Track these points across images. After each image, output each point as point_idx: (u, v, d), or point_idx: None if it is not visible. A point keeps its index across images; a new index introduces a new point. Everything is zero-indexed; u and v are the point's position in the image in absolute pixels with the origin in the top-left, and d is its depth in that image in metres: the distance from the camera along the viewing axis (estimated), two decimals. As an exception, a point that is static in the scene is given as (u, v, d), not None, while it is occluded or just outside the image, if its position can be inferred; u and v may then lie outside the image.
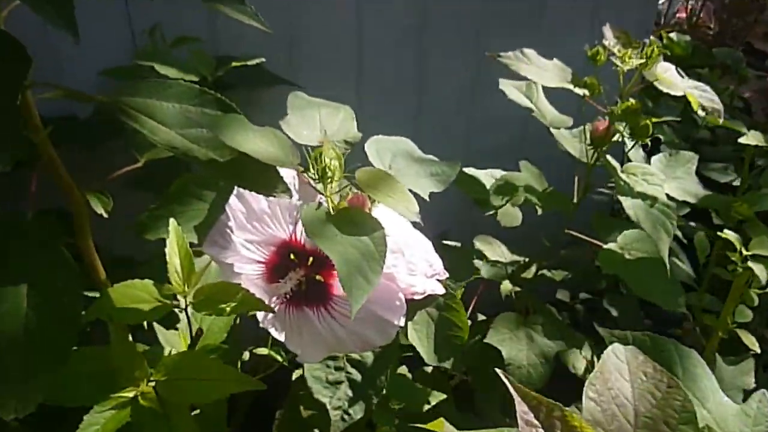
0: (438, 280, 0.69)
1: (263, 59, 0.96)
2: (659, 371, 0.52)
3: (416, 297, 0.68)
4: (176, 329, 0.92)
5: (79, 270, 0.70)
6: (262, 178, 0.56)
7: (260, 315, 0.71)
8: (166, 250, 0.62)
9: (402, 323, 0.66)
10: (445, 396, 0.93)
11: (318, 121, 0.73)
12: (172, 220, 0.64)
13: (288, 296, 0.67)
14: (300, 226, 0.65)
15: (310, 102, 0.76)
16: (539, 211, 0.95)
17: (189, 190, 0.72)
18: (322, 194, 0.61)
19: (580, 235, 0.97)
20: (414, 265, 0.66)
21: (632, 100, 0.79)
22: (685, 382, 0.62)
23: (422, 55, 1.30)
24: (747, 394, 0.91)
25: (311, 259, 0.67)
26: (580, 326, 1.45)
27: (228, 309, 0.59)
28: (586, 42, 0.95)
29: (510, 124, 1.44)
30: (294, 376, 1.00)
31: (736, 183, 1.50)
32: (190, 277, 0.61)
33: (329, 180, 0.59)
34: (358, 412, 0.72)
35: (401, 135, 0.81)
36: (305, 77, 1.13)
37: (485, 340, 0.98)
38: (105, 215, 0.72)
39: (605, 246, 0.89)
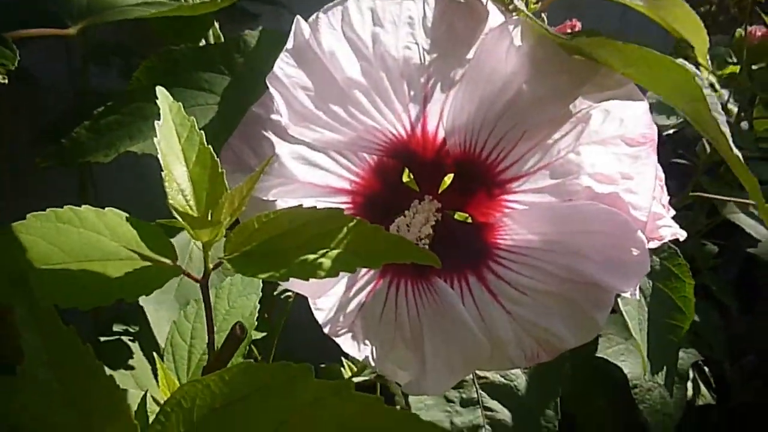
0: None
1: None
2: None
3: (652, 244, 0.36)
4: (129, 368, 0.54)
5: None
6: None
7: (324, 312, 0.36)
8: (158, 144, 0.27)
9: (636, 294, 0.34)
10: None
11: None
12: (161, 90, 0.29)
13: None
14: (435, 107, 0.32)
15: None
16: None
17: (175, 75, 0.37)
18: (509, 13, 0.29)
19: (711, 196, 0.70)
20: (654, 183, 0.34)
21: None
22: None
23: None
24: None
25: (450, 176, 0.34)
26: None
27: (327, 263, 0.24)
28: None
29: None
30: None
31: None
32: (216, 201, 0.26)
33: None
34: (514, 482, 0.38)
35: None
36: None
37: (597, 354, 0.67)
38: (3, 79, 0.36)
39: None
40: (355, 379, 0.61)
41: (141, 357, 0.54)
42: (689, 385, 0.84)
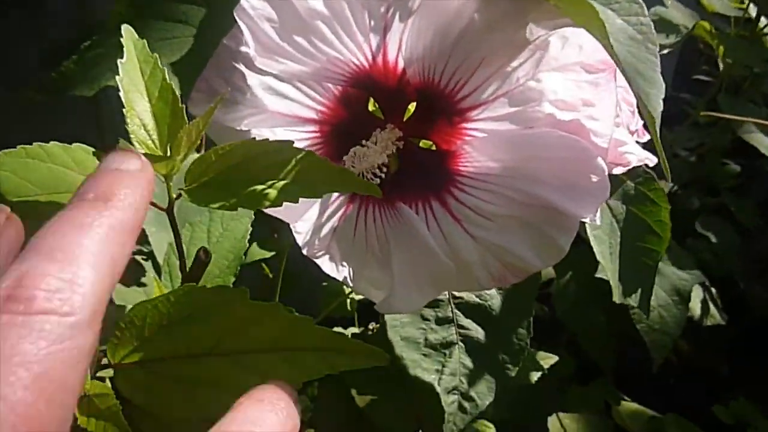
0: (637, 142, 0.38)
1: None
2: None
3: (617, 170, 0.36)
4: (141, 285, 0.59)
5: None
6: None
7: (303, 235, 0.38)
8: (120, 82, 0.28)
9: (597, 220, 0.34)
10: (556, 358, 0.63)
11: None
12: (126, 27, 0.30)
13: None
14: (394, 36, 0.32)
15: None
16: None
17: (154, 7, 0.38)
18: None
19: (724, 115, 0.68)
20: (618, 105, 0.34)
21: None
22: None
23: None
24: None
25: (414, 105, 0.35)
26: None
27: (272, 194, 0.26)
28: None
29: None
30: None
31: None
32: (176, 135, 0.28)
33: None
34: (484, 393, 0.41)
35: None
36: None
37: (597, 274, 0.68)
38: None
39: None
40: (359, 296, 0.65)
41: (154, 275, 0.58)
42: (698, 306, 0.85)
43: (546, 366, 0.60)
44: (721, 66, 0.71)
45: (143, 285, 0.57)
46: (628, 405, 0.80)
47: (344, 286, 0.65)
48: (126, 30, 0.30)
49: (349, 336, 0.66)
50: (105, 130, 0.72)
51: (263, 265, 0.76)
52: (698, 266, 0.99)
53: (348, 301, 0.64)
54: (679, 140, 0.99)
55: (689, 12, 0.68)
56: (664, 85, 0.24)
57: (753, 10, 0.72)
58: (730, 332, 1.07)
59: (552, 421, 0.70)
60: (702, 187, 0.99)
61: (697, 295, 0.85)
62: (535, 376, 0.58)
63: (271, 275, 0.77)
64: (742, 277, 0.98)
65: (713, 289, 0.87)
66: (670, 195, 0.98)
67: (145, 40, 0.30)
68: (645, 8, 0.25)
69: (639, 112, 0.37)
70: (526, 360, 0.57)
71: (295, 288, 0.77)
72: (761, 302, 1.21)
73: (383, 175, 0.34)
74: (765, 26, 0.72)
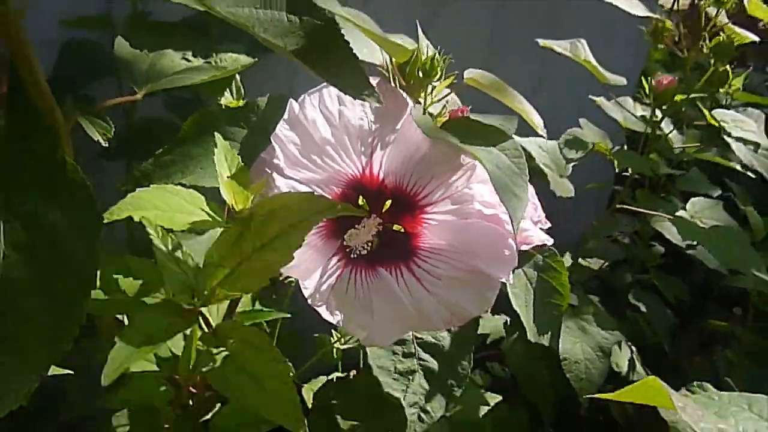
0: (542, 229, 0.55)
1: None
2: None
3: (524, 247, 0.53)
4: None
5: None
6: (347, 71, 0.41)
7: (309, 289, 0.54)
8: (216, 158, 0.45)
9: (511, 280, 0.51)
10: (500, 398, 0.78)
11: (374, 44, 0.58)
12: (217, 135, 0.47)
13: (357, 254, 0.51)
14: (377, 158, 0.50)
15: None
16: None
17: (210, 127, 0.55)
18: (417, 103, 0.46)
19: (632, 208, 0.86)
20: (523, 205, 0.51)
21: (723, 35, 0.69)
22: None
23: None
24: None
25: (389, 202, 0.51)
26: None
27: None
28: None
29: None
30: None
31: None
32: (246, 186, 0.45)
33: (434, 75, 0.44)
34: (437, 408, 0.56)
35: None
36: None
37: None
38: (104, 143, 0.53)
39: (677, 213, 0.78)
40: (342, 346, 0.79)
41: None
42: (626, 363, 1.01)
43: (492, 403, 0.74)
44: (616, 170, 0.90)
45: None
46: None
47: (331, 337, 0.80)
48: (217, 137, 0.47)
49: (334, 378, 0.80)
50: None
51: (263, 323, 0.91)
52: (634, 334, 1.15)
53: (334, 350, 0.78)
54: (618, 225, 1.17)
55: (601, 132, 0.88)
56: (528, 203, 0.41)
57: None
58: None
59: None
60: (635, 266, 1.17)
61: (625, 354, 1.01)
62: (483, 410, 0.72)
63: (268, 330, 0.91)
64: (669, 346, 1.14)
65: (633, 348, 1.03)
66: (606, 271, 1.16)
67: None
68: (523, 154, 0.43)
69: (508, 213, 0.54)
70: (476, 398, 0.72)
71: (290, 341, 0.91)
72: (702, 372, 1.37)
73: (369, 248, 0.50)
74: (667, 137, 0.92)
